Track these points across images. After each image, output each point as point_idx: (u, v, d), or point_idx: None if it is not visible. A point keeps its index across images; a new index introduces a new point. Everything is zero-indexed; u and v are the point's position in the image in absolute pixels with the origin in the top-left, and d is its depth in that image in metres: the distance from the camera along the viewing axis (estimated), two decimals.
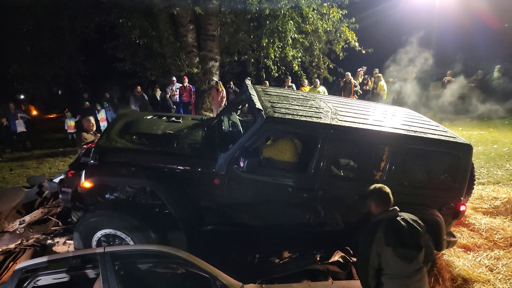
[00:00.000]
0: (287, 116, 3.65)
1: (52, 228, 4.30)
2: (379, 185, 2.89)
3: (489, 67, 12.78)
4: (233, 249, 3.90)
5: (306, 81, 11.31)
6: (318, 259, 3.76)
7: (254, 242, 3.93)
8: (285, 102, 4.10)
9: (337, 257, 3.77)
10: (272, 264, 3.75)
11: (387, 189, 2.83)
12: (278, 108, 3.81)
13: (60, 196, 3.94)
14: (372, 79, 12.07)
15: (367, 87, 11.90)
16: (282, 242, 3.92)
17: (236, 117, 4.52)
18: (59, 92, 13.18)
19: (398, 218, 2.72)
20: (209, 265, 2.98)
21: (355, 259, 3.66)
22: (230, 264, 3.59)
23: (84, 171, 3.70)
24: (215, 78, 11.39)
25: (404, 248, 2.62)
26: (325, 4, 11.17)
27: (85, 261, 3.01)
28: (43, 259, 2.93)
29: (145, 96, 10.78)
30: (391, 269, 2.65)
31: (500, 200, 5.69)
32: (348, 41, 11.55)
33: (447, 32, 13.83)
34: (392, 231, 2.65)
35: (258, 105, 3.74)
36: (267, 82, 11.36)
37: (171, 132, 4.32)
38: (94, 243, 3.64)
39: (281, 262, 3.82)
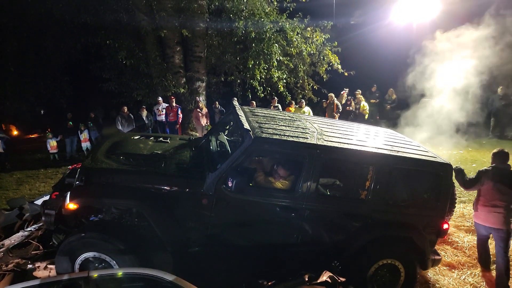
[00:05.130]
0: (274, 137, 3.72)
1: (32, 252, 4.15)
2: (501, 148, 4.49)
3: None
4: (221, 271, 3.84)
5: (293, 102, 11.56)
6: (306, 279, 3.74)
7: (242, 263, 3.89)
8: (272, 122, 4.18)
9: (325, 277, 3.75)
10: (260, 286, 3.71)
11: (506, 151, 4.41)
12: (265, 129, 3.88)
13: (43, 218, 3.83)
14: (356, 99, 12.44)
15: (350, 108, 12.23)
16: (270, 262, 3.89)
17: (224, 137, 4.56)
18: (42, 112, 12.95)
19: (506, 168, 4.33)
20: None
21: (343, 279, 3.67)
22: (218, 286, 3.53)
23: (69, 192, 3.63)
24: (201, 98, 11.48)
25: (502, 184, 4.23)
26: (309, 29, 11.59)
27: (68, 286, 2.90)
28: (23, 284, 2.82)
29: (132, 116, 10.74)
30: (484, 197, 4.37)
31: None
32: (331, 64, 11.94)
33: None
34: (499, 172, 4.29)
35: (246, 125, 3.80)
36: (253, 102, 11.53)
37: (159, 152, 4.31)
38: (77, 267, 3.53)
39: (269, 283, 3.78)
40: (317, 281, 3.65)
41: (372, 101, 13.39)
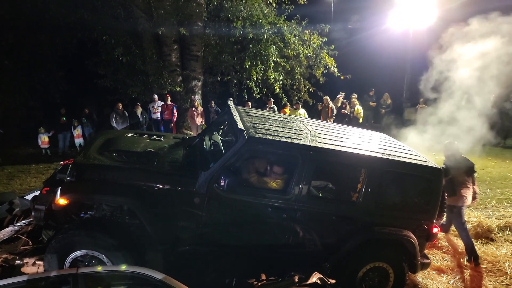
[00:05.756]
0: (268, 137, 3.72)
1: (21, 248, 4.10)
2: (449, 140, 5.23)
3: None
4: (211, 270, 3.83)
5: (288, 104, 11.59)
6: (296, 280, 3.74)
7: (233, 262, 3.89)
8: (266, 123, 4.19)
9: (315, 278, 3.76)
10: (249, 286, 3.71)
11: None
12: (259, 129, 3.89)
13: (32, 213, 3.79)
14: (350, 103, 12.52)
15: (345, 111, 12.30)
16: (261, 263, 3.90)
17: (217, 137, 4.55)
18: (35, 106, 12.80)
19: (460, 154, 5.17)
20: (186, 287, 2.92)
21: (333, 281, 3.68)
22: (207, 285, 3.52)
23: (60, 188, 3.60)
24: (197, 97, 11.46)
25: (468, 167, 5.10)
26: (306, 31, 11.63)
27: (56, 282, 2.87)
28: (11, 280, 2.79)
29: (126, 113, 10.70)
30: (462, 182, 5.06)
31: (471, 223, 5.88)
32: (327, 67, 11.99)
33: (420, 61, 14.60)
34: (461, 159, 5.09)
35: (240, 125, 3.80)
36: (249, 103, 11.54)
37: (152, 150, 4.29)
38: (67, 264, 3.50)
39: (259, 284, 3.78)
40: (306, 283, 3.66)
41: (371, 104, 13.52)
